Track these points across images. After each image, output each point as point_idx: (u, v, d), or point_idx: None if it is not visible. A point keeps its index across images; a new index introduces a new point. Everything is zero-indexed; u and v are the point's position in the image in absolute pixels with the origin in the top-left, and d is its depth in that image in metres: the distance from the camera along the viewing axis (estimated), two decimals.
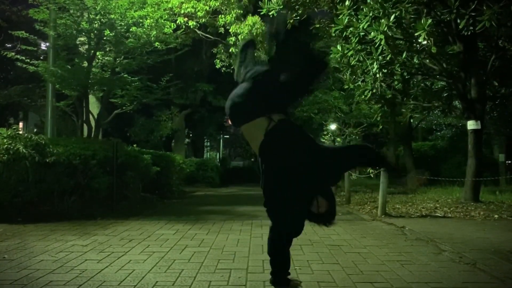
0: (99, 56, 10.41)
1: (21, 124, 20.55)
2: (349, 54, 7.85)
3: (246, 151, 27.35)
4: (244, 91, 3.02)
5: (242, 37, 12.27)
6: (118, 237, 5.13)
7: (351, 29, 7.43)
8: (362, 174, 13.56)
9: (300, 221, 3.05)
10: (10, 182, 6.40)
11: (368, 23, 7.06)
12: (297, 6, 8.99)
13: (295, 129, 3.07)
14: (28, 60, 10.07)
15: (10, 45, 14.79)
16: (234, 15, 12.43)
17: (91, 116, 10.73)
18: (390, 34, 6.92)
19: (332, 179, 3.35)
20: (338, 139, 13.84)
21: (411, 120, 16.46)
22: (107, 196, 7.57)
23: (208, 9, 12.44)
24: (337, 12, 7.91)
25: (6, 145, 6.41)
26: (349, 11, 7.51)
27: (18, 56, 10.11)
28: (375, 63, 7.54)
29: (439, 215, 7.22)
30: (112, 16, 9.45)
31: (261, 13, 9.42)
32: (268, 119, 2.93)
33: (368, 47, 7.66)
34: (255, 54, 3.16)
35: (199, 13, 12.36)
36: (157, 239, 5.04)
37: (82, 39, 10.37)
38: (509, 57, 8.67)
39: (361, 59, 7.90)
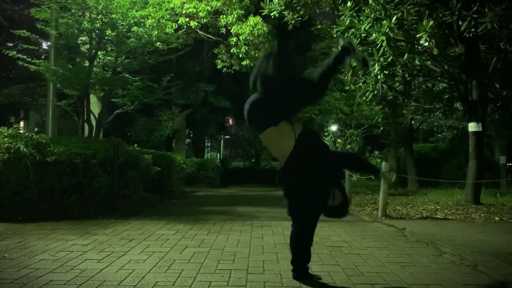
0: (100, 56, 10.41)
1: (22, 123, 20.60)
2: None
3: (247, 151, 27.32)
4: (259, 96, 3.24)
5: (244, 37, 12.28)
6: (118, 237, 5.13)
7: (352, 30, 7.43)
8: (363, 175, 13.55)
9: (319, 214, 3.37)
10: (11, 181, 6.40)
11: (370, 24, 7.06)
12: (298, 7, 9.00)
13: (314, 133, 3.51)
14: (30, 59, 10.07)
15: (11, 44, 14.80)
16: (235, 16, 12.44)
17: (92, 116, 10.73)
18: (392, 36, 6.92)
19: (342, 175, 3.74)
20: (339, 140, 13.83)
21: (412, 122, 16.44)
22: (108, 196, 7.56)
23: (209, 9, 12.45)
24: (339, 13, 7.92)
25: (6, 144, 6.41)
26: (350, 12, 7.52)
27: (20, 55, 10.11)
28: (376, 65, 7.53)
29: (439, 217, 7.21)
30: (114, 15, 9.45)
31: (263, 14, 9.44)
32: (290, 125, 3.19)
33: (370, 48, 7.66)
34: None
35: (200, 13, 12.37)
36: (157, 239, 5.04)
37: (83, 38, 10.37)
38: (511, 59, 8.67)
39: None
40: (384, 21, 6.84)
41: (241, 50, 12.66)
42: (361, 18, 7.30)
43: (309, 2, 8.93)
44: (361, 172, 3.83)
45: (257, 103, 3.22)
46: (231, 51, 13.13)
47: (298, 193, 3.25)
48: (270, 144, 3.35)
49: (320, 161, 3.22)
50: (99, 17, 9.54)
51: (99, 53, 10.26)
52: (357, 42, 7.47)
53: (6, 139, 6.52)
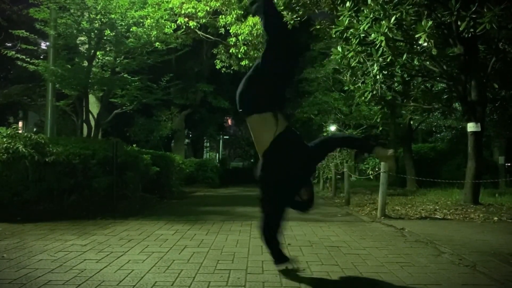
0: (99, 56, 10.42)
1: (20, 123, 20.59)
2: (350, 55, 7.85)
3: (246, 152, 27.35)
4: (247, 76, 3.44)
5: (243, 37, 12.28)
6: (117, 237, 5.12)
7: (351, 30, 7.43)
8: (362, 175, 13.57)
9: (287, 207, 3.56)
10: (10, 181, 6.39)
11: (369, 24, 7.06)
12: (297, 7, 9.00)
13: (296, 135, 3.53)
14: (28, 59, 10.07)
15: (10, 44, 14.79)
16: (234, 16, 12.44)
17: (91, 116, 10.74)
18: (391, 36, 6.91)
19: (313, 172, 4.10)
20: None
21: (411, 122, 16.46)
22: (107, 196, 7.56)
23: (208, 9, 12.44)
24: (338, 14, 7.91)
25: (5, 144, 6.41)
26: (349, 13, 7.51)
27: (18, 55, 10.11)
28: (375, 65, 7.53)
29: (438, 217, 7.22)
30: (113, 16, 9.45)
31: None
32: (274, 118, 3.32)
33: (369, 48, 7.65)
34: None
35: (199, 14, 12.37)
36: (156, 239, 5.03)
37: (82, 38, 10.38)
38: (510, 59, 8.66)
39: (362, 60, 7.90)
40: (383, 21, 6.84)
41: (240, 50, 12.66)
42: (360, 18, 7.30)
43: (308, 2, 8.93)
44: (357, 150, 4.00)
45: (248, 82, 3.40)
46: (230, 51, 13.12)
47: (269, 185, 3.45)
48: (253, 133, 3.49)
49: (295, 161, 3.37)
50: (98, 17, 9.54)
51: (98, 53, 10.27)
52: (356, 42, 7.48)
53: (5, 139, 6.52)
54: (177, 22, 12.28)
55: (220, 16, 12.64)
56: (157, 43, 10.60)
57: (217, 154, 34.11)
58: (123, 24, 9.69)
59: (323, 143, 3.62)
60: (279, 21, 3.55)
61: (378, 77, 7.74)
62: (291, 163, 3.36)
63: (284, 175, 3.37)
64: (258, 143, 3.43)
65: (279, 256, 3.61)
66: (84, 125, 10.91)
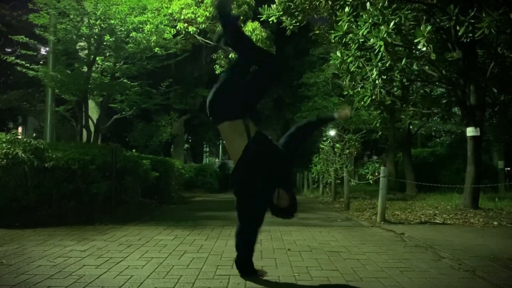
0: (98, 61, 10.42)
1: (20, 129, 20.62)
2: (349, 60, 7.87)
3: None
4: (217, 86, 3.47)
5: None
6: (117, 243, 5.11)
7: (350, 35, 7.45)
8: (362, 180, 13.57)
9: (264, 213, 3.51)
10: (9, 186, 6.37)
11: (368, 29, 7.09)
12: (296, 13, 9.01)
13: (267, 139, 3.56)
14: (28, 65, 10.07)
15: (10, 50, 14.83)
16: None
17: (90, 121, 10.73)
18: (390, 41, 6.94)
19: (289, 174, 3.91)
20: (337, 145, 13.85)
21: (410, 127, 16.49)
22: (106, 201, 7.54)
23: (208, 14, 12.50)
24: (337, 19, 7.94)
25: (5, 150, 6.39)
26: (348, 18, 7.54)
27: (18, 61, 10.10)
28: (374, 70, 7.55)
29: (438, 221, 7.21)
30: (112, 21, 9.46)
31: (261, 19, 9.48)
32: (244, 124, 3.37)
33: (368, 53, 7.68)
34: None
35: (199, 19, 12.42)
36: (156, 245, 5.02)
37: (82, 44, 10.38)
38: (508, 64, 8.69)
39: (361, 65, 7.92)
40: (382, 26, 6.86)
41: None
42: (359, 23, 7.32)
43: (307, 7, 8.94)
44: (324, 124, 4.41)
45: (218, 91, 3.44)
46: (230, 56, 13.16)
47: (245, 192, 3.44)
48: (225, 140, 3.55)
49: (267, 165, 3.40)
50: (97, 22, 9.55)
51: (97, 58, 10.27)
52: (355, 47, 7.50)
53: (4, 145, 6.50)
54: (177, 27, 12.32)
55: None
56: (157, 48, 10.61)
57: (217, 159, 34.12)
58: (123, 29, 9.70)
59: (292, 137, 3.68)
60: (247, 44, 3.63)
61: (377, 81, 7.76)
62: (266, 167, 3.38)
63: (260, 180, 3.37)
64: (231, 150, 3.47)
65: (248, 268, 3.57)
66: (84, 130, 10.89)
